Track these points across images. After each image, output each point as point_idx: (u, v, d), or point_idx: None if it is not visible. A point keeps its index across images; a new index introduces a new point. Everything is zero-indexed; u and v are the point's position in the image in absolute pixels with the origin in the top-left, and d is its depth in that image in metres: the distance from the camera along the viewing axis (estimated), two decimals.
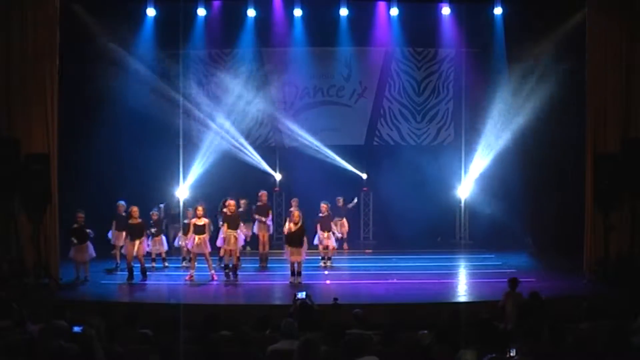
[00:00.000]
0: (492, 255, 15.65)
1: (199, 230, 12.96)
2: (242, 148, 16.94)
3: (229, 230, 13.18)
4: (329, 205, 14.63)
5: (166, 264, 14.36)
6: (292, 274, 12.82)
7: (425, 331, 6.93)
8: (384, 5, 16.58)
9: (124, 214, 13.76)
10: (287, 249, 12.81)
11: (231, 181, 15.98)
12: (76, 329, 6.64)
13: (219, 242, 13.40)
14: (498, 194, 15.99)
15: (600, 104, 12.87)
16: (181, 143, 16.66)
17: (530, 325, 6.81)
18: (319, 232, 14.40)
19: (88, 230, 12.96)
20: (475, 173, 16.78)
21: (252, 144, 17.19)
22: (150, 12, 15.71)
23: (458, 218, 17.50)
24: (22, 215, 12.43)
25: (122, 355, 6.49)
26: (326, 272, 13.75)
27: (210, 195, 15.33)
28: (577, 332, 6.77)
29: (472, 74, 16.81)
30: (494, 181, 16.33)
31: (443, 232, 17.50)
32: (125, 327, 7.62)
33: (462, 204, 17.11)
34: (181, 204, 15.55)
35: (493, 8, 15.95)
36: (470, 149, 16.97)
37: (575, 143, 13.72)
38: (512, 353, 6.05)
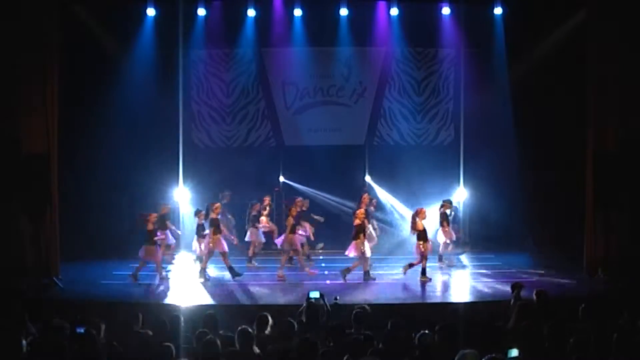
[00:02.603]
0: (492, 255, 15.64)
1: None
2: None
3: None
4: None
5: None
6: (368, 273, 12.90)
7: (426, 331, 6.93)
8: (384, 5, 16.56)
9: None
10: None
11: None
12: (78, 329, 6.66)
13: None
14: (498, 194, 15.97)
15: (601, 104, 12.87)
16: (181, 143, 16.63)
17: (530, 325, 6.81)
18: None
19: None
20: (475, 173, 16.75)
21: (252, 144, 17.19)
22: (150, 12, 15.69)
23: (458, 218, 17.45)
24: (22, 215, 12.43)
25: (123, 356, 6.49)
26: (326, 272, 13.73)
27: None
28: (577, 332, 6.76)
29: (472, 74, 16.79)
30: (493, 181, 16.31)
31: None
32: (125, 327, 7.62)
33: (462, 204, 17.07)
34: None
35: (493, 8, 15.93)
36: (470, 149, 16.93)
37: (575, 142, 13.72)
38: (512, 353, 6.05)
